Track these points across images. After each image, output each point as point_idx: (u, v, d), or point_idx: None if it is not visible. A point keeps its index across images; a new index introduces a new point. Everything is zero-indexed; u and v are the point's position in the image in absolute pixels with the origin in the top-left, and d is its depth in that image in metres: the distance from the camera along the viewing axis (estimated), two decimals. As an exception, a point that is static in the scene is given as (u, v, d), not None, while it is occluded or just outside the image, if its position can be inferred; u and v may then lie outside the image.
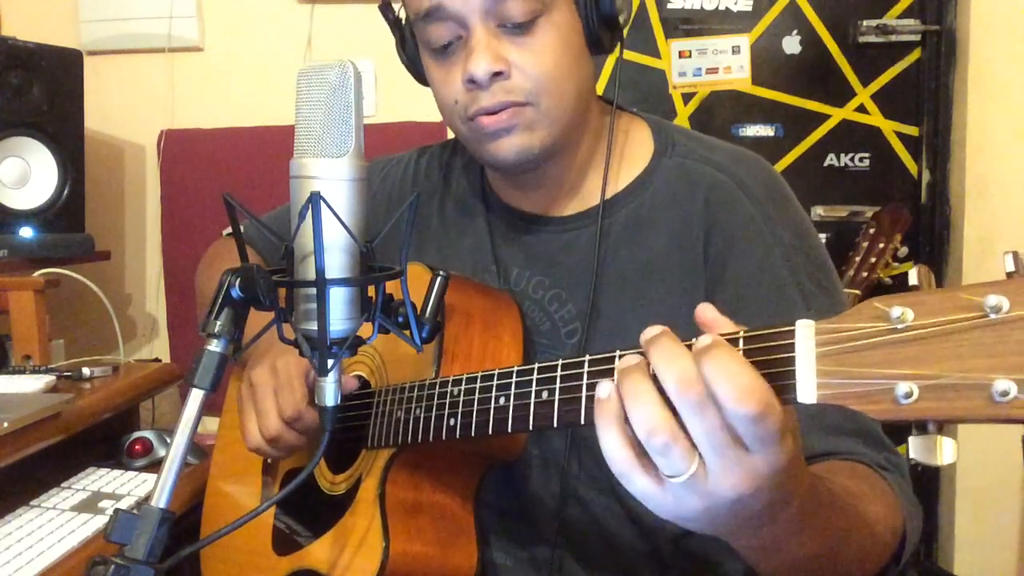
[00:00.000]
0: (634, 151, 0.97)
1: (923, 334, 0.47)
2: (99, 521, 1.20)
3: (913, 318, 0.47)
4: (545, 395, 0.69)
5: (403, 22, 0.95)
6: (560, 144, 0.91)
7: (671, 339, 0.54)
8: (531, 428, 0.70)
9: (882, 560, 0.74)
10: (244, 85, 2.12)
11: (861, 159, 2.21)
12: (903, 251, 1.94)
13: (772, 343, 0.53)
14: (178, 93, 2.14)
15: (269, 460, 1.08)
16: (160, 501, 0.64)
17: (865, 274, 1.89)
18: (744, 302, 0.87)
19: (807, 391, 0.51)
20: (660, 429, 0.52)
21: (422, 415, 0.82)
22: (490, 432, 0.74)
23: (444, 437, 0.79)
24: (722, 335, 0.55)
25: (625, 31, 0.93)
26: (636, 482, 0.54)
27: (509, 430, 0.73)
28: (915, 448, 0.49)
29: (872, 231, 1.94)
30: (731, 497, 0.53)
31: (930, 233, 2.18)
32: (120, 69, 2.13)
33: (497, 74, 0.84)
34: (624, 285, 0.93)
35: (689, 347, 0.54)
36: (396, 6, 0.96)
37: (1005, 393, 0.44)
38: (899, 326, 0.47)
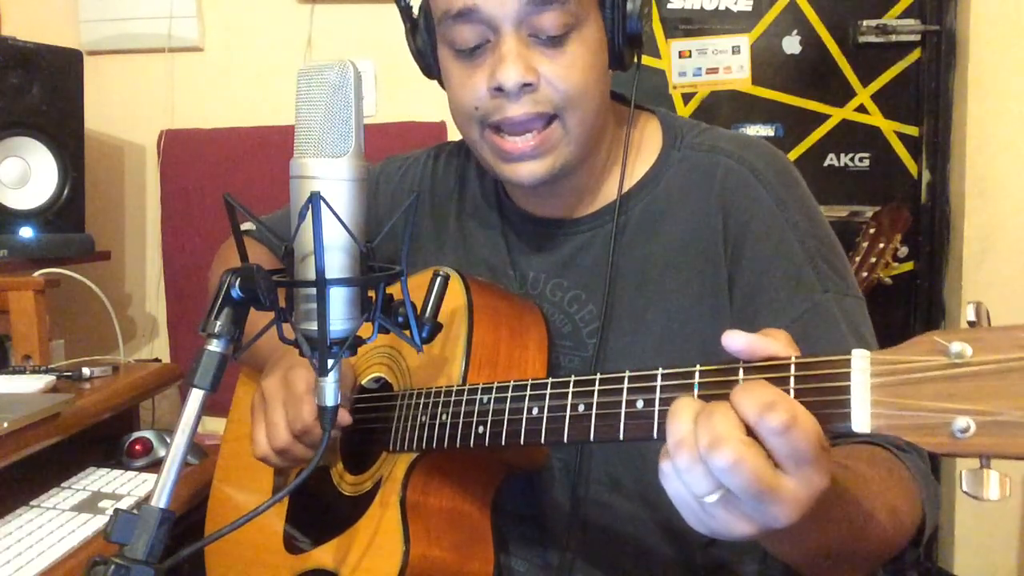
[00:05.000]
0: (644, 146, 0.97)
1: (981, 370, 0.47)
2: (99, 521, 1.20)
3: (972, 354, 0.48)
4: (582, 408, 0.68)
5: (416, 12, 0.94)
6: (580, 160, 0.91)
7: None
8: (566, 441, 0.70)
9: (901, 544, 0.74)
10: (244, 85, 2.12)
11: (861, 159, 2.21)
12: (903, 251, 1.94)
13: (827, 371, 0.53)
14: (178, 93, 2.14)
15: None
16: (160, 501, 0.64)
17: (865, 274, 1.89)
18: (761, 286, 0.87)
19: (861, 420, 0.51)
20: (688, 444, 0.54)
21: (448, 421, 0.82)
22: (522, 443, 0.74)
23: (472, 444, 0.79)
24: (772, 361, 0.55)
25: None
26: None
27: (542, 441, 0.72)
28: (967, 482, 0.49)
29: (872, 231, 1.94)
30: (782, 525, 0.53)
31: (930, 233, 2.18)
32: (120, 69, 2.13)
33: (526, 85, 0.83)
34: (642, 281, 0.92)
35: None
36: None
37: None
38: (957, 361, 0.48)
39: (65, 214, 1.83)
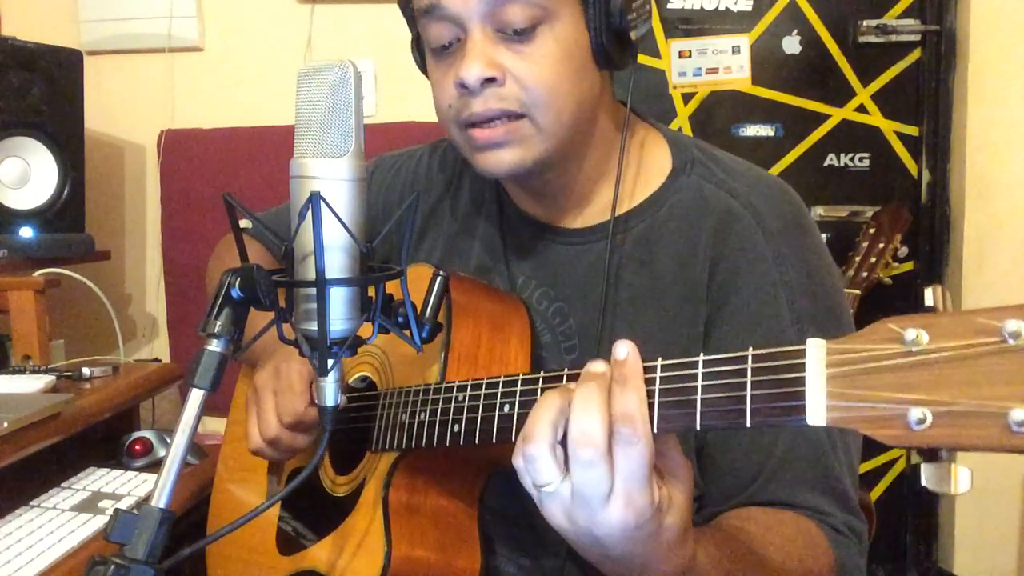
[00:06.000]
0: (650, 167, 0.94)
1: (938, 358, 0.45)
2: (99, 521, 1.20)
3: (928, 341, 0.45)
4: None
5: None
6: (557, 157, 0.88)
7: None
8: None
9: None
10: (244, 85, 2.12)
11: (861, 159, 2.21)
12: (903, 251, 1.94)
13: (782, 362, 0.52)
14: (178, 93, 2.14)
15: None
16: (160, 501, 0.64)
17: (865, 274, 1.89)
18: (740, 341, 0.83)
19: (816, 413, 0.50)
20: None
21: (426, 420, 0.82)
22: (493, 440, 0.74)
23: (448, 443, 0.79)
24: (729, 356, 0.56)
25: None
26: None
27: (513, 439, 0.71)
28: (927, 476, 0.47)
29: (872, 231, 1.94)
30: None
31: (930, 233, 2.18)
32: (120, 69, 2.13)
33: (490, 80, 0.82)
34: (627, 308, 0.91)
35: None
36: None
37: (1022, 423, 0.42)
38: (913, 349, 0.46)
39: (65, 214, 1.83)
